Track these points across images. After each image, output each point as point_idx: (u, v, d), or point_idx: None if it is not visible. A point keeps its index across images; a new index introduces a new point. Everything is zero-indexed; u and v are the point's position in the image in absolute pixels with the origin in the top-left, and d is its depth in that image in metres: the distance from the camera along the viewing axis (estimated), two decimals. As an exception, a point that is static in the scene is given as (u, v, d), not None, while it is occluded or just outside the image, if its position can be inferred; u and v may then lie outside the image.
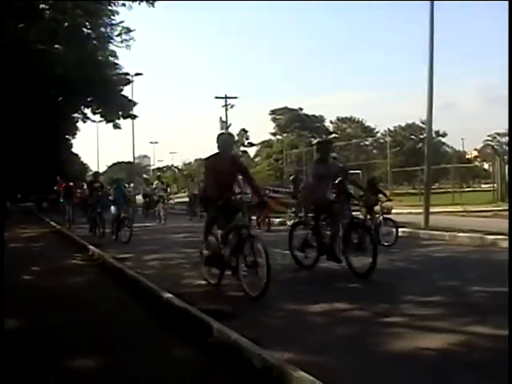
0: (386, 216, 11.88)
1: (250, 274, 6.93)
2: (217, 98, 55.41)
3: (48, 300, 7.59)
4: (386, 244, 11.19)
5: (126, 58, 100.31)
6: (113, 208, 15.52)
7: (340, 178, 9.60)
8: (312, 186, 9.18)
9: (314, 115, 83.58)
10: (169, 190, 27.10)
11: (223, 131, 58.08)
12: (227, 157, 8.01)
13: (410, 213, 19.36)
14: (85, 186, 30.49)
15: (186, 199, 27.69)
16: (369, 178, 17.45)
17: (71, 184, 24.35)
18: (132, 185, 26.90)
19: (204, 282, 8.10)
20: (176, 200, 25.08)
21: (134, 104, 43.02)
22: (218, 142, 8.02)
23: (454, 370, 4.28)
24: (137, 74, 44.46)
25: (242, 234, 7.19)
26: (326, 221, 8.92)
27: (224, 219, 7.56)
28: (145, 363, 4.73)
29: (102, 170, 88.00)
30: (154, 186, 23.93)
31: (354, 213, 12.05)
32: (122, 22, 31.98)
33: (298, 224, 9.97)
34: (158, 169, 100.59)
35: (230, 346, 4.79)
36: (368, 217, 11.81)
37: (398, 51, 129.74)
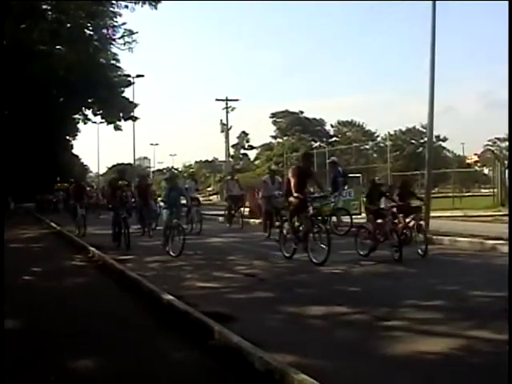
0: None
1: None
2: (217, 100, 55.67)
3: (47, 301, 7.59)
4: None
5: (127, 60, 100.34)
6: (165, 213, 12.59)
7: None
8: None
9: (314, 118, 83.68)
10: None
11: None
12: None
13: (410, 217, 19.31)
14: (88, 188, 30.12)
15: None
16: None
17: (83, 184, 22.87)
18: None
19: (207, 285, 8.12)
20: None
21: (135, 106, 43.10)
22: None
23: (454, 373, 4.30)
24: (138, 76, 44.69)
25: None
26: None
27: None
28: (145, 366, 4.73)
29: (102, 171, 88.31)
30: (187, 185, 19.37)
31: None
32: (124, 23, 32.04)
33: None
34: (158, 170, 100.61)
35: (231, 349, 4.80)
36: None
37: (398, 53, 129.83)
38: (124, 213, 13.76)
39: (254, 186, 22.66)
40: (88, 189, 28.74)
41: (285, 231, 10.92)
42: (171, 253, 11.68)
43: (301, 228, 10.39)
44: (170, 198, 12.46)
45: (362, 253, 10.51)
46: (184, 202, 13.36)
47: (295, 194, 10.27)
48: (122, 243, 13.41)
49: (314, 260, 9.84)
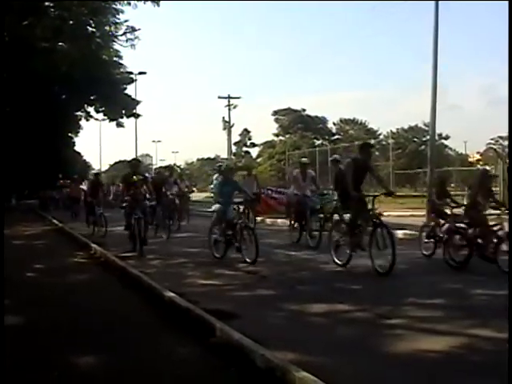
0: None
1: None
2: (220, 97, 55.45)
3: (50, 298, 7.59)
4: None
5: (129, 57, 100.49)
6: (218, 207, 10.80)
7: None
8: None
9: (316, 116, 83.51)
10: None
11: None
12: None
13: (412, 215, 19.33)
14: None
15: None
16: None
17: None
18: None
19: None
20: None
21: (137, 103, 43.08)
22: None
23: (455, 371, 4.30)
24: (140, 73, 44.53)
25: None
26: None
27: None
28: (147, 363, 4.74)
29: (104, 168, 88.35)
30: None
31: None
32: (126, 20, 32.03)
33: None
34: (161, 168, 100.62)
35: (233, 346, 4.81)
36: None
37: (402, 51, 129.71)
38: (138, 213, 11.80)
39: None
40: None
41: (337, 236, 9.55)
42: (247, 259, 9.90)
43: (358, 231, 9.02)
44: (224, 194, 10.78)
45: (455, 263, 9.08)
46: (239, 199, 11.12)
47: (352, 194, 8.83)
48: (137, 247, 11.61)
49: (379, 269, 8.39)
